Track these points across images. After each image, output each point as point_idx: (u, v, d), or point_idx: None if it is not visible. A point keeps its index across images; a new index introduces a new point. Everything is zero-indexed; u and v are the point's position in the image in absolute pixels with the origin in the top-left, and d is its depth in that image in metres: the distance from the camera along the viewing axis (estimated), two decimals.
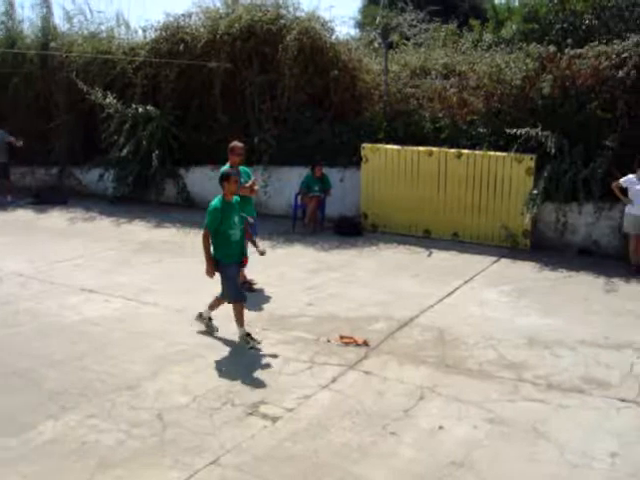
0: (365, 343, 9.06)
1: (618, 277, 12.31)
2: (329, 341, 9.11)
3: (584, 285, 12.01)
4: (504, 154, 14.20)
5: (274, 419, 7.09)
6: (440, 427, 6.98)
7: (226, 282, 8.96)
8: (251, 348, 8.86)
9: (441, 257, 13.61)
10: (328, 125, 16.60)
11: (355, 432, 6.87)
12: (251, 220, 10.19)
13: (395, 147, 15.37)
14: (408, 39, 19.08)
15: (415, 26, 19.11)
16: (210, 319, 9.44)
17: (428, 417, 7.19)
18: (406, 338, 9.36)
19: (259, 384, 7.90)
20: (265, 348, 8.93)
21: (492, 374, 8.25)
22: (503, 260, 13.43)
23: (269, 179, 16.64)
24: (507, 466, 6.32)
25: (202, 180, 17.72)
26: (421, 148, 15.11)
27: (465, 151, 14.65)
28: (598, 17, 16.15)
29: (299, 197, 15.76)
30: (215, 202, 8.92)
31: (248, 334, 9.00)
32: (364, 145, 15.65)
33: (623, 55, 13.56)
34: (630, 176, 12.58)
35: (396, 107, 16.48)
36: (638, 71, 13.26)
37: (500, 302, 10.98)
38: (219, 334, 9.35)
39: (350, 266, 12.84)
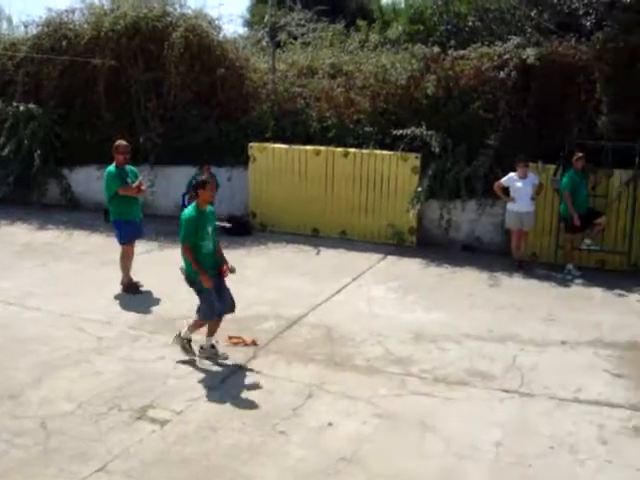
0: (254, 343, 9.01)
1: (501, 272, 12.67)
2: (217, 342, 8.98)
3: (468, 280, 12.32)
4: (390, 153, 14.41)
5: (163, 423, 6.97)
6: (329, 424, 7.00)
7: (201, 297, 8.39)
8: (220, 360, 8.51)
9: (329, 255, 13.67)
10: (215, 124, 16.45)
11: (244, 433, 6.82)
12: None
13: (283, 146, 15.38)
14: (296, 38, 19.09)
15: (303, 25, 19.14)
16: (215, 351, 8.64)
17: (317, 415, 7.21)
18: (295, 337, 9.37)
19: (147, 388, 7.73)
20: (153, 351, 8.77)
21: (380, 370, 8.35)
22: (390, 257, 13.61)
23: (156, 179, 16.34)
24: (395, 460, 6.40)
25: (87, 180, 17.26)
26: (308, 147, 15.17)
27: (352, 150, 14.79)
28: (481, 19, 16.55)
29: (186, 197, 15.54)
30: (190, 211, 8.29)
31: (189, 341, 8.57)
32: (252, 144, 15.60)
33: (504, 57, 13.95)
34: (511, 174, 12.93)
35: (284, 106, 16.48)
36: (519, 72, 13.63)
37: (387, 299, 11.13)
38: (110, 339, 9.13)
39: (239, 265, 12.52)
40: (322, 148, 15.04)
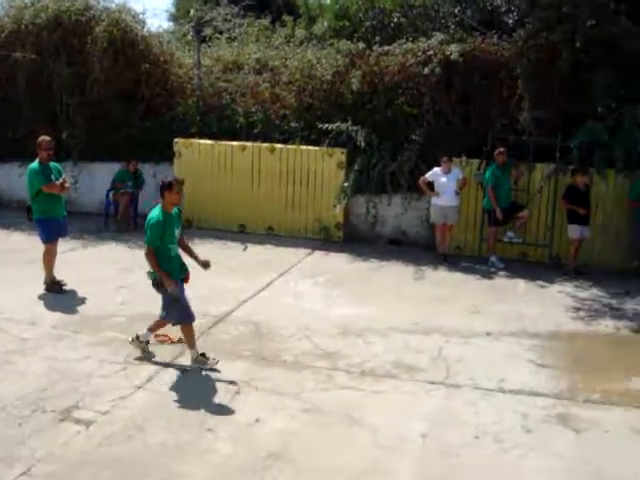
0: (180, 340, 8.86)
1: (426, 265, 12.86)
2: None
3: (395, 274, 12.45)
4: (316, 148, 14.47)
5: (88, 423, 6.82)
6: (257, 420, 6.97)
7: (171, 304, 8.10)
8: (210, 369, 8.19)
9: (256, 251, 13.65)
10: (140, 119, 16.29)
11: (172, 431, 6.74)
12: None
13: (208, 142, 15.29)
14: (222, 33, 19.04)
15: (229, 20, 19.18)
16: (148, 343, 8.46)
17: (245, 411, 7.17)
18: (222, 333, 9.32)
19: (72, 388, 7.56)
20: (77, 350, 8.59)
21: (307, 364, 8.35)
22: (317, 252, 13.68)
23: (79, 175, 16.11)
24: (323, 454, 6.40)
25: (9, 177, 16.87)
26: (234, 143, 15.11)
27: (278, 145, 14.79)
28: (406, 16, 16.71)
29: (111, 194, 15.35)
30: (157, 214, 7.94)
31: (202, 354, 8.28)
32: (177, 140, 15.44)
33: (428, 52, 14.12)
34: (435, 169, 13.09)
35: (209, 102, 16.42)
36: (443, 68, 13.80)
37: (315, 293, 11.17)
38: (33, 339, 8.91)
39: None
40: (248, 144, 15.00)
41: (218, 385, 7.77)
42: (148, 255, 7.93)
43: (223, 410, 7.19)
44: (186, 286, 8.29)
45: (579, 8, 12.46)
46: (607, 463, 6.34)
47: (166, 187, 7.95)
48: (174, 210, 8.15)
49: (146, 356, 8.41)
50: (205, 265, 8.37)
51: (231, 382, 7.81)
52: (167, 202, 7.99)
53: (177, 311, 8.10)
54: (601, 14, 12.42)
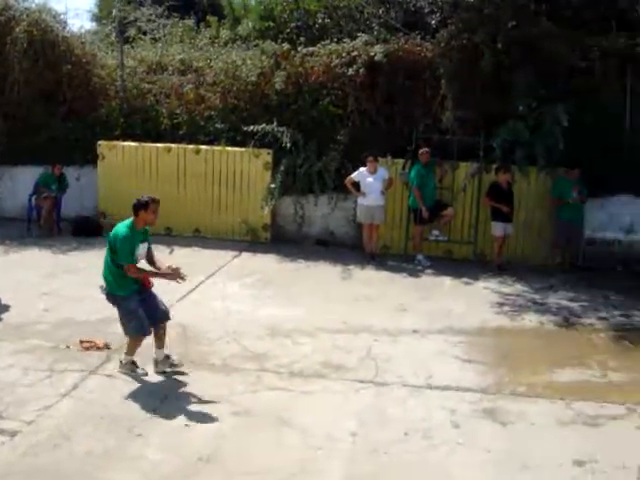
0: (106, 346, 8.75)
1: (354, 265, 12.95)
2: (68, 347, 8.69)
3: (323, 274, 12.50)
4: (242, 149, 14.43)
5: (12, 434, 6.63)
6: (186, 425, 6.90)
7: (126, 316, 7.86)
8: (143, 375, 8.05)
9: (183, 254, 13.43)
10: (62, 121, 15.96)
11: (99, 438, 6.61)
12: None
13: (133, 144, 15.10)
14: (145, 34, 18.82)
15: (153, 21, 19.00)
16: (170, 361, 8.22)
17: (174, 416, 7.08)
18: (148, 338, 9.13)
19: None
20: (1, 359, 8.33)
21: (236, 367, 8.30)
22: (244, 254, 13.63)
23: (1, 180, 15.75)
24: (253, 456, 6.37)
25: None
26: (159, 145, 14.96)
27: (203, 147, 14.70)
28: (330, 17, 16.81)
29: (33, 198, 15.03)
30: (125, 231, 7.69)
31: (134, 362, 8.09)
32: (100, 142, 15.21)
33: (353, 53, 14.23)
34: (361, 169, 13.17)
35: (133, 103, 16.17)
36: (367, 69, 13.91)
37: (242, 295, 11.13)
38: None
39: (90, 268, 12.22)
40: (173, 145, 14.87)
41: (146, 390, 7.66)
42: (131, 272, 7.73)
43: (151, 415, 7.08)
44: None
45: (500, 9, 12.70)
46: (534, 455, 6.45)
47: (142, 206, 7.74)
48: (143, 227, 7.93)
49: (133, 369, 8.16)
50: (174, 275, 7.90)
51: (159, 387, 7.75)
52: (140, 220, 7.78)
53: (132, 324, 7.89)
54: (522, 15, 12.68)
